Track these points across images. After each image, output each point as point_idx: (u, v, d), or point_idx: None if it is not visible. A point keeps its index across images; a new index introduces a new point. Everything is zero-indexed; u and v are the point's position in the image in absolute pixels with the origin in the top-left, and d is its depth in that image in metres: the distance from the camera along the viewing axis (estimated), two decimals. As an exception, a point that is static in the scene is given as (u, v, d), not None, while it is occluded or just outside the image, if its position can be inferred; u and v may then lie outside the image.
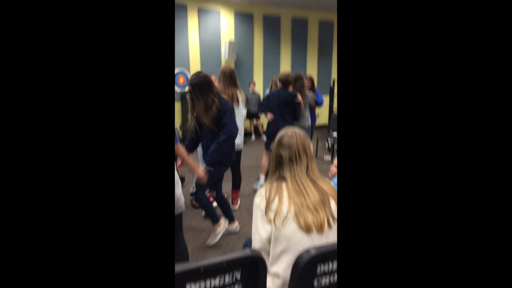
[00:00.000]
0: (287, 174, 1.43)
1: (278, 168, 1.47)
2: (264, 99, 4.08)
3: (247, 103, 7.68)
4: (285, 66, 9.05)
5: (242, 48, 8.30)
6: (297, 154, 1.44)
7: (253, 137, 8.35)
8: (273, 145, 1.49)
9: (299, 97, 3.93)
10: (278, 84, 3.98)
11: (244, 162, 5.51)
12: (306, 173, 1.44)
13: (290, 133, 1.47)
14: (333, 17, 9.35)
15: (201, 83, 2.61)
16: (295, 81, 4.12)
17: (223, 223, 3.06)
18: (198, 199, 2.80)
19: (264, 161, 4.23)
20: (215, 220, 3.01)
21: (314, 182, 1.43)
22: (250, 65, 8.59)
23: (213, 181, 2.86)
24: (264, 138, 7.75)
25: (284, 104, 3.89)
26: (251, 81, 7.99)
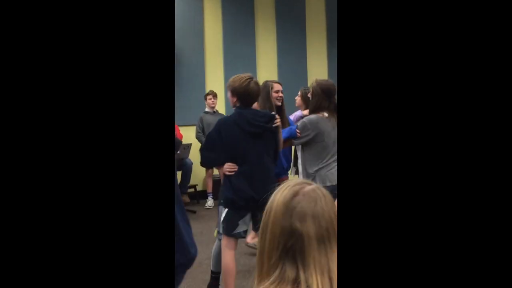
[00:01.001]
0: (311, 274, 0.93)
1: (284, 256, 0.97)
2: (210, 134, 2.74)
3: (201, 132, 5.36)
4: (267, 62, 6.24)
5: (184, 28, 5.67)
6: (330, 232, 0.96)
7: (209, 201, 5.51)
8: (268, 218, 1.00)
9: (278, 119, 2.82)
10: (231, 99, 2.72)
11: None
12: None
13: (309, 189, 0.99)
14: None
15: None
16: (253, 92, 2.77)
17: None
18: None
19: (228, 260, 2.63)
20: None
21: None
22: (199, 62, 5.85)
23: None
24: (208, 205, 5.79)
25: (256, 136, 2.64)
26: (208, 92, 5.52)
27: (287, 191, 0.96)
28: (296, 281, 0.90)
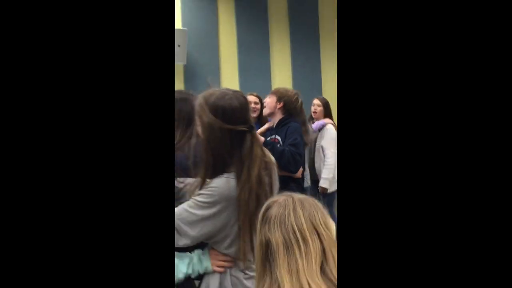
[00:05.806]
0: (283, 274, 0.96)
1: (266, 265, 1.02)
2: (299, 141, 2.87)
3: None
4: (281, 73, 6.08)
5: (198, 41, 5.50)
6: (298, 236, 0.98)
7: None
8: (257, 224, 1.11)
9: None
10: (274, 105, 2.95)
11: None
12: (321, 270, 0.98)
13: (281, 200, 1.04)
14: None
15: None
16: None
17: None
18: None
19: None
20: None
21: None
22: (214, 70, 5.65)
23: None
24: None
25: None
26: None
27: (265, 205, 1.02)
28: (278, 283, 0.94)
